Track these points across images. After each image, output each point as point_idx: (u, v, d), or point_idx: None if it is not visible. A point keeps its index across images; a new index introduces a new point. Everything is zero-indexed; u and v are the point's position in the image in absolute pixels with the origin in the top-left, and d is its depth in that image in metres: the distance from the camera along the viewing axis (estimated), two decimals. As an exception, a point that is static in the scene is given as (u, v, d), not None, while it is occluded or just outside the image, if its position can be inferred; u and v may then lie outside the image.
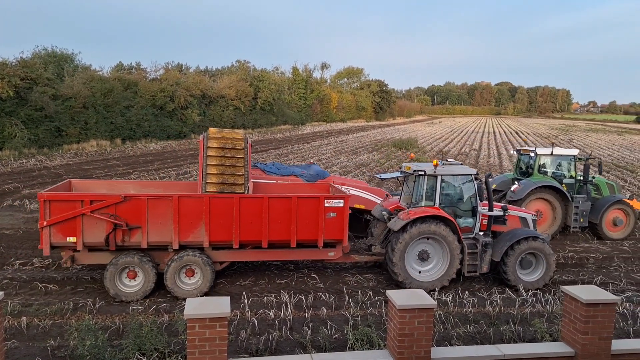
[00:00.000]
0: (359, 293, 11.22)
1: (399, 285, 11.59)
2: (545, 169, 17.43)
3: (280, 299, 10.69)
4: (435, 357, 6.17)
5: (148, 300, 10.57)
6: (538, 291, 11.73)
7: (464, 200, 12.30)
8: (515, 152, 19.29)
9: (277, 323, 9.60)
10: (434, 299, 9.43)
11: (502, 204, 12.79)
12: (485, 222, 12.27)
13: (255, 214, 10.75)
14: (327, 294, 11.10)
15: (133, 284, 10.58)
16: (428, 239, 11.66)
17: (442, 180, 11.94)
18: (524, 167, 18.31)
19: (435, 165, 11.81)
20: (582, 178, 16.99)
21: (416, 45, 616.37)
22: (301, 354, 8.26)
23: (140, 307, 10.13)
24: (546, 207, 16.59)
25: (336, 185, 13.35)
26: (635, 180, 29.56)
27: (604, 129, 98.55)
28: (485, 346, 6.86)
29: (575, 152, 17.85)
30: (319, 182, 14.23)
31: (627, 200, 17.03)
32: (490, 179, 12.58)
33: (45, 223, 9.93)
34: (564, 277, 13.08)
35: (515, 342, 9.17)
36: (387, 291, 6.42)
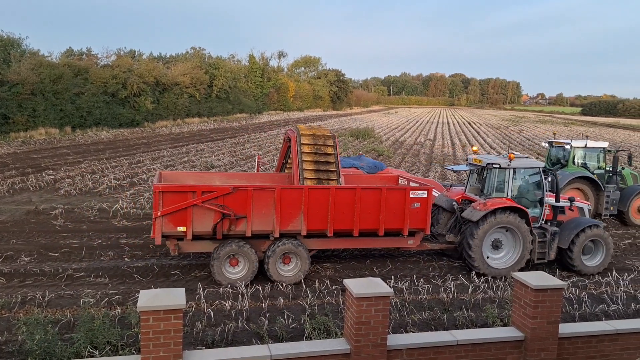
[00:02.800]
0: (317, 282, 11.24)
1: (475, 271, 12.14)
2: (580, 161, 18.67)
3: (236, 290, 10.57)
4: (391, 344, 6.24)
5: (100, 292, 10.27)
6: (489, 277, 12.06)
7: (532, 191, 13.02)
8: (546, 145, 20.39)
9: (233, 314, 9.48)
10: (390, 286, 9.55)
11: (570, 196, 13.36)
12: (550, 212, 12.94)
13: (349, 204, 11.26)
14: (284, 284, 11.05)
15: (235, 271, 11.00)
16: (504, 229, 12.22)
17: (514, 173, 12.57)
18: (554, 159, 19.31)
19: (511, 159, 12.41)
20: (611, 169, 18.25)
21: (373, 36, 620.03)
22: (258, 344, 8.19)
23: (92, 300, 9.81)
24: (580, 196, 17.47)
25: (402, 177, 14.03)
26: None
27: (551, 120, 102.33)
28: (439, 332, 7.01)
29: (605, 144, 19.27)
30: (379, 174, 14.67)
31: None
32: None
33: (159, 213, 10.24)
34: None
35: (468, 327, 9.40)
36: (344, 280, 6.43)
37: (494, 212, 11.96)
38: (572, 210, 13.36)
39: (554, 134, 25.88)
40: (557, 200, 12.81)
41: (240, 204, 10.64)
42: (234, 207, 10.62)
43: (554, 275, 11.45)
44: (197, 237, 10.80)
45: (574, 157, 18.64)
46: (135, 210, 16.98)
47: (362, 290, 5.99)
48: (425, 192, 11.75)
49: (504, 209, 12.08)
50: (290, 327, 9.09)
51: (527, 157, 13.48)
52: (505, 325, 9.10)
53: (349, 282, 6.25)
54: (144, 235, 14.36)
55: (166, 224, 10.39)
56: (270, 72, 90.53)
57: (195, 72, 59.57)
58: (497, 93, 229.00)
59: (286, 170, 14.14)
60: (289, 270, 11.29)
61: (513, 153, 12.85)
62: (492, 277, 12.12)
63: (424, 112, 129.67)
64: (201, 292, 10.20)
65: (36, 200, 18.22)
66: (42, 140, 35.28)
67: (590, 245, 12.82)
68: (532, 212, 12.71)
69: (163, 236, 10.54)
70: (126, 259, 12.49)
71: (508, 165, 12.44)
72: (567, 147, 18.76)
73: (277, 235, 11.04)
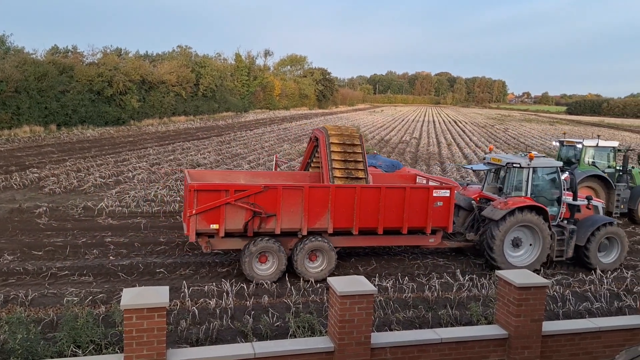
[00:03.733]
0: (301, 280, 11.22)
1: (497, 267, 12.03)
2: (589, 160, 18.93)
3: (221, 288, 10.52)
4: (375, 343, 6.25)
5: (84, 291, 10.17)
6: (474, 276, 12.15)
7: (550, 190, 13.22)
8: (557, 144, 20.63)
9: (218, 312, 9.44)
10: (375, 284, 9.60)
11: (587, 195, 13.70)
12: (568, 210, 13.18)
13: (373, 202, 11.44)
14: (268, 282, 11.03)
15: (264, 268, 11.17)
16: (524, 227, 12.39)
17: (533, 172, 12.79)
18: (564, 158, 19.46)
19: (531, 159, 12.64)
20: (621, 168, 18.59)
21: (359, 35, 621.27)
22: (242, 342, 8.16)
23: (75, 299, 9.70)
24: (592, 194, 17.50)
25: (419, 176, 14.27)
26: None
27: (537, 119, 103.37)
28: (423, 330, 7.04)
29: (615, 144, 19.65)
30: (397, 172, 14.73)
31: None
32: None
33: (194, 211, 10.41)
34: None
35: (452, 325, 9.44)
36: (328, 278, 6.42)
37: (514, 210, 12.14)
38: (589, 209, 13.58)
39: (564, 133, 26.25)
40: (575, 198, 13.00)
41: (270, 202, 10.86)
42: (265, 205, 10.84)
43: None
44: (227, 235, 10.96)
45: (584, 156, 18.93)
46: (120, 208, 16.82)
47: (346, 289, 5.99)
48: (448, 191, 11.98)
49: (525, 208, 12.26)
50: (275, 325, 9.06)
51: (544, 157, 13.74)
52: (489, 323, 9.16)
53: (333, 281, 6.25)
54: (129, 234, 14.24)
55: (200, 222, 10.58)
56: (257, 70, 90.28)
57: (181, 71, 59.18)
58: (483, 92, 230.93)
59: (310, 169, 14.33)
60: (315, 267, 11.47)
61: (533, 152, 13.07)
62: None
63: (409, 110, 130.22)
64: (186, 290, 10.14)
65: (20, 198, 17.97)
66: (26, 138, 34.79)
67: (606, 242, 13.10)
68: (550, 210, 12.87)
69: (197, 234, 10.71)
70: (111, 257, 12.37)
71: (528, 164, 12.67)
72: (579, 146, 19.08)
73: (304, 232, 11.23)
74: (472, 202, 13.49)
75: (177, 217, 16.29)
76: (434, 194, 11.81)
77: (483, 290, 11.27)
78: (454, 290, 11.21)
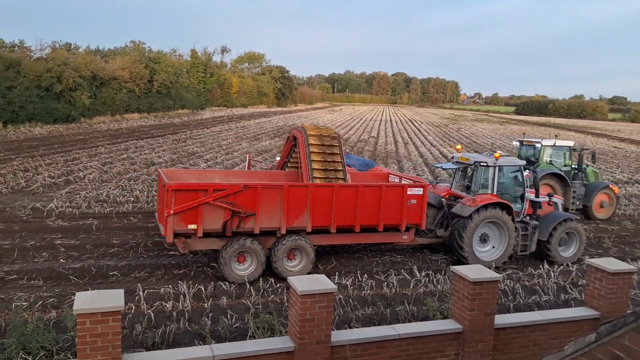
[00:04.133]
0: (260, 281, 11.18)
1: (466, 262, 12.51)
2: (547, 158, 19.80)
3: (178, 290, 10.35)
4: (335, 341, 6.30)
5: (33, 295, 9.79)
6: (430, 272, 12.42)
7: (514, 187, 13.81)
8: (517, 143, 21.43)
9: (174, 315, 9.29)
10: (335, 282, 9.64)
11: (548, 192, 14.68)
12: (530, 207, 13.80)
13: (351, 201, 11.63)
14: (227, 283, 10.93)
15: (243, 267, 11.18)
16: (491, 223, 12.93)
17: (499, 170, 13.35)
18: (524, 157, 20.08)
19: (497, 158, 13.22)
20: (577, 166, 19.48)
21: (317, 33, 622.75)
22: (200, 345, 8.06)
23: (25, 304, 9.32)
24: (549, 191, 18.12)
25: (391, 174, 14.54)
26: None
27: (487, 119, 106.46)
28: (382, 327, 7.14)
29: (571, 143, 20.58)
30: (370, 172, 14.99)
31: (611, 186, 19.69)
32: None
33: (171, 212, 10.25)
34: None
35: (409, 321, 9.63)
36: (288, 277, 6.43)
37: (482, 207, 12.63)
38: (551, 205, 14.24)
39: (524, 133, 27.38)
40: (537, 195, 13.70)
41: (249, 202, 10.83)
42: (244, 204, 10.80)
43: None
44: (205, 235, 10.85)
45: (542, 155, 19.80)
46: (71, 209, 16.27)
47: (306, 288, 6.01)
48: (421, 189, 12.31)
49: (492, 205, 12.78)
50: (234, 326, 9.00)
51: (507, 156, 14.31)
52: (445, 318, 9.37)
53: (293, 280, 6.26)
54: (80, 235, 13.79)
55: (177, 222, 10.43)
56: (213, 67, 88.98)
57: (134, 67, 57.68)
58: (437, 92, 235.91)
59: (287, 169, 14.38)
60: (294, 266, 11.56)
61: (498, 152, 13.61)
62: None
63: (367, 109, 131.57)
64: (141, 293, 9.92)
65: (-40, 199, 17.11)
66: (-33, 135, 33.16)
67: (565, 237, 13.81)
68: (514, 207, 13.40)
69: (175, 235, 10.56)
70: (61, 260, 11.95)
71: (494, 163, 13.23)
72: (538, 145, 19.93)
73: (283, 231, 11.27)
74: (442, 199, 13.93)
75: (131, 217, 15.90)
76: (409, 192, 12.12)
77: (439, 286, 11.54)
78: (411, 287, 11.43)
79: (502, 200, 12.98)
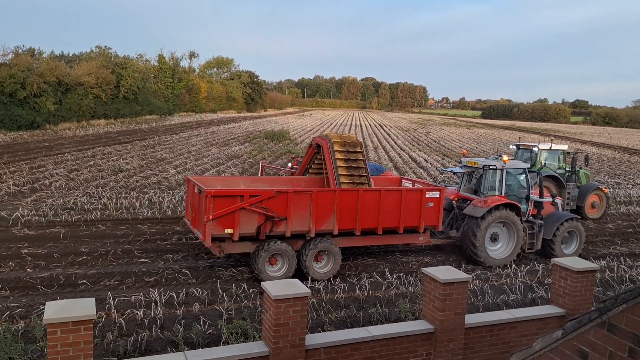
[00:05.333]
0: (233, 286, 11.13)
1: (478, 264, 13.50)
2: (543, 161, 20.56)
3: (149, 298, 10.22)
4: (309, 344, 6.33)
5: (0, 306, 9.52)
6: (402, 274, 12.58)
7: (520, 189, 14.59)
8: (514, 147, 22.19)
9: (146, 322, 9.16)
10: (308, 286, 9.65)
11: (552, 193, 15.69)
12: (534, 207, 14.56)
13: (374, 204, 12.16)
14: (199, 289, 10.84)
15: (274, 269, 11.58)
16: (501, 223, 13.61)
17: (507, 173, 14.12)
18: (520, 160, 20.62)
19: (506, 162, 14.07)
20: (570, 169, 20.34)
21: (286, 38, 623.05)
22: (173, 352, 7.98)
23: (-13, 316, 9.06)
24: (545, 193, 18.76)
25: (405, 179, 15.18)
26: (482, 170, 32.88)
27: (455, 123, 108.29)
28: (355, 329, 7.20)
29: (565, 147, 21.46)
30: (382, 176, 15.44)
31: (601, 188, 20.75)
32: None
33: (210, 217, 10.65)
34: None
35: (382, 323, 9.72)
36: (262, 282, 6.44)
37: (494, 208, 13.32)
38: (554, 206, 15.09)
39: (519, 137, 28.25)
40: (541, 196, 14.47)
41: (281, 207, 11.29)
42: (276, 209, 11.25)
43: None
44: (240, 239, 11.22)
45: (539, 158, 20.53)
46: (37, 217, 15.85)
47: (280, 292, 6.03)
48: (438, 192, 12.92)
49: (502, 206, 13.48)
50: (207, 333, 8.94)
51: (512, 159, 15.32)
52: (416, 319, 9.52)
53: (267, 285, 6.27)
54: (47, 244, 13.47)
55: (215, 227, 10.84)
56: (181, 72, 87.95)
57: (100, 72, 56.49)
58: (406, 97, 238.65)
59: (308, 174, 15.09)
60: (320, 268, 12.00)
61: (506, 156, 14.49)
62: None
63: (337, 114, 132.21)
64: (111, 301, 9.75)
65: None
66: None
67: (567, 235, 14.59)
68: (521, 207, 14.05)
69: (213, 239, 10.93)
70: (28, 269, 11.64)
71: (503, 166, 14.02)
72: (535, 149, 20.68)
73: (312, 234, 11.72)
74: (452, 202, 14.57)
75: (100, 225, 15.60)
76: (427, 195, 12.72)
77: (410, 288, 11.70)
78: (383, 289, 11.55)
79: (511, 201, 13.69)
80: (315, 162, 14.63)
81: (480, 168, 14.44)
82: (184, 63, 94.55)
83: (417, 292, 11.31)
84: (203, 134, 48.87)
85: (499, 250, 13.91)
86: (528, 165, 14.92)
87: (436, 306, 7.02)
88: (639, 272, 13.84)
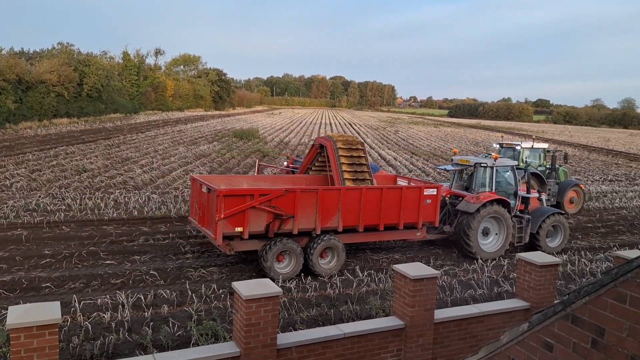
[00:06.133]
0: (203, 287, 11.00)
1: (471, 257, 14.05)
2: (525, 159, 21.20)
3: (116, 300, 10.02)
4: (280, 344, 6.32)
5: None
6: (372, 271, 12.68)
7: (508, 186, 15.20)
8: (497, 145, 22.82)
9: (113, 325, 8.98)
10: (279, 285, 9.64)
11: (538, 189, 16.63)
12: (522, 202, 15.28)
13: (376, 202, 12.53)
14: (168, 291, 10.69)
15: (282, 266, 11.84)
16: (492, 218, 14.22)
17: (497, 171, 14.64)
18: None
19: (496, 159, 14.77)
20: (550, 166, 21.17)
21: (254, 36, 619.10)
22: (142, 355, 7.85)
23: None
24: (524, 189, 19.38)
25: (399, 178, 15.75)
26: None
27: (423, 122, 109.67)
28: (326, 327, 7.22)
29: (546, 145, 22.39)
30: (377, 175, 15.64)
31: (579, 184, 21.77)
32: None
33: (222, 216, 10.83)
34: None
35: (353, 320, 9.78)
36: (233, 283, 6.38)
37: (486, 204, 13.94)
38: (541, 201, 15.89)
39: (502, 136, 28.93)
40: (529, 192, 15.32)
41: (289, 205, 11.55)
42: (284, 207, 11.51)
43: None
44: (249, 237, 11.45)
45: (521, 156, 21.18)
46: (-5, 220, 15.33)
47: (251, 292, 6.00)
48: (435, 189, 13.39)
49: (493, 201, 14.14)
50: (176, 335, 8.82)
51: (500, 157, 16.00)
52: (387, 315, 9.61)
53: (238, 285, 6.23)
54: (9, 247, 13.05)
55: (226, 226, 11.03)
56: (147, 70, 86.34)
57: (63, 69, 54.98)
58: (375, 96, 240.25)
59: (310, 173, 15.38)
60: (326, 264, 12.32)
61: (497, 154, 14.69)
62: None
63: (307, 113, 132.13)
64: (77, 304, 9.52)
65: None
66: None
67: (552, 229, 15.28)
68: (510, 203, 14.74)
69: (223, 237, 11.13)
70: (-13, 274, 11.25)
71: (493, 164, 14.66)
72: (518, 147, 21.38)
73: (318, 232, 12.03)
74: (445, 198, 14.95)
75: (63, 227, 15.20)
76: (425, 193, 13.16)
77: (380, 285, 11.81)
78: (354, 286, 11.62)
79: (502, 197, 14.30)
80: (318, 161, 15.08)
81: (471, 166, 15.03)
82: (150, 60, 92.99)
83: (388, 289, 11.42)
84: (170, 133, 48.13)
85: (490, 243, 14.52)
86: (516, 162, 15.57)
87: (406, 302, 7.10)
88: (598, 265, 14.31)
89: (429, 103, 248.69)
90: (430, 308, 7.19)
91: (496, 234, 14.54)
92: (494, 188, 14.63)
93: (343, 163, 13.46)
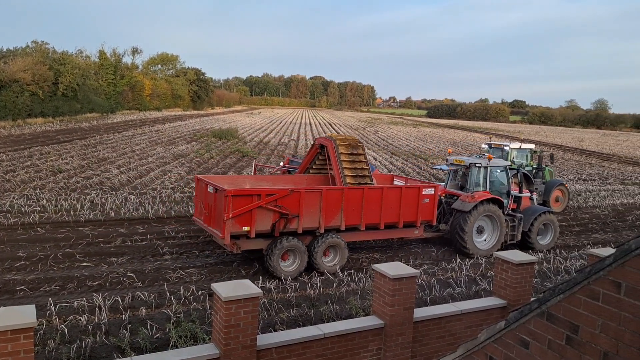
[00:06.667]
0: (181, 289, 10.91)
1: (466, 255, 14.37)
2: (513, 159, 21.72)
3: (92, 303, 9.86)
4: (260, 345, 6.30)
5: None
6: (352, 271, 12.72)
7: (501, 185, 15.58)
8: (486, 146, 23.30)
9: (90, 328, 8.85)
10: (259, 286, 9.61)
11: (530, 188, 17.06)
12: (515, 202, 15.72)
13: (377, 201, 12.84)
14: (146, 293, 10.56)
15: (286, 264, 12.07)
16: (486, 216, 14.58)
17: (490, 171, 15.04)
18: None
19: (490, 159, 15.20)
20: (537, 166, 21.77)
21: (233, 35, 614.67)
22: (120, 358, 7.75)
23: None
24: (517, 189, 19.53)
25: (396, 178, 16.13)
26: (427, 167, 33.77)
27: (402, 122, 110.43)
28: (307, 328, 7.22)
29: (532, 146, 23.20)
30: (374, 174, 15.68)
31: (564, 183, 22.53)
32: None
33: (230, 215, 11.02)
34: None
35: (333, 320, 9.79)
36: (212, 284, 6.34)
37: (480, 203, 14.29)
38: (532, 200, 16.36)
39: (490, 137, 29.38)
40: (521, 191, 15.85)
41: (294, 204, 11.80)
42: (289, 207, 11.75)
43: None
44: (255, 236, 11.66)
45: (510, 156, 21.67)
46: (-33, 222, 14.96)
47: (230, 293, 5.96)
48: (433, 189, 13.74)
49: (488, 200, 14.52)
50: (155, 337, 8.73)
51: (494, 157, 16.39)
52: (367, 314, 9.64)
53: (217, 286, 6.19)
54: (-21, 250, 12.74)
55: (233, 225, 11.26)
56: (124, 69, 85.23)
57: (37, 68, 53.95)
58: (355, 96, 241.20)
59: (310, 172, 15.60)
60: (329, 262, 12.62)
61: (491, 154, 15.32)
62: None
63: (286, 113, 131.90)
64: (52, 307, 9.35)
65: None
66: None
67: (542, 227, 15.74)
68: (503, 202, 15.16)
69: (231, 236, 11.35)
70: (-42, 278, 10.98)
71: (487, 164, 15.09)
72: (506, 148, 21.93)
73: (322, 230, 12.31)
74: (440, 197, 15.17)
75: (38, 228, 14.91)
76: (423, 192, 13.50)
77: (360, 284, 11.85)
78: (334, 286, 11.64)
79: (495, 196, 14.72)
80: (317, 161, 15.32)
81: (466, 166, 15.39)
82: (127, 59, 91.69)
83: (368, 288, 11.47)
84: (147, 133, 47.57)
85: (484, 241, 14.92)
86: (509, 163, 15.98)
87: (386, 301, 7.14)
88: (573, 263, 14.59)
89: (408, 103, 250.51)
90: (409, 307, 7.24)
91: (490, 232, 14.93)
92: (488, 187, 15.02)
93: (344, 161, 13.75)
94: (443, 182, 17.75)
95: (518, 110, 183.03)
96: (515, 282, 8.02)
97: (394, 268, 7.26)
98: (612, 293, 2.89)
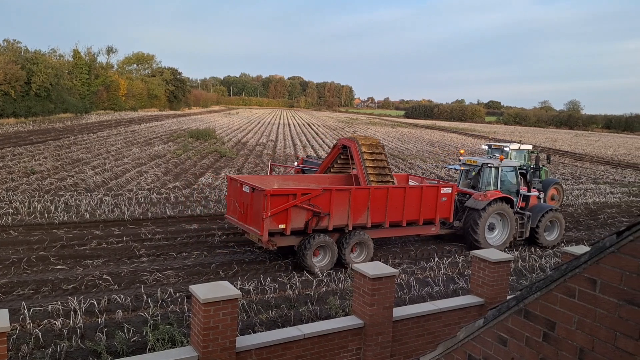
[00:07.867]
0: (159, 291, 10.77)
1: (478, 247, 14.35)
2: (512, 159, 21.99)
3: (67, 306, 9.67)
4: (240, 346, 6.25)
5: None
6: (332, 271, 12.73)
7: (511, 184, 16.23)
8: (486, 147, 23.99)
9: (65, 332, 8.67)
10: (237, 288, 9.55)
11: (537, 188, 17.96)
12: (523, 200, 16.33)
13: (400, 200, 13.55)
14: (122, 296, 10.40)
15: (317, 260, 12.62)
16: (498, 214, 15.24)
17: (502, 171, 15.74)
18: None
19: (502, 160, 15.91)
20: (535, 166, 22.09)
21: (210, 34, 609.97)
22: (96, 362, 7.61)
23: None
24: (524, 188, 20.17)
25: (411, 177, 17.01)
26: (405, 167, 34.00)
27: (380, 122, 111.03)
28: (286, 329, 7.19)
29: (530, 147, 24.04)
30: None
31: (560, 183, 23.39)
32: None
33: (268, 214, 11.60)
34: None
35: (313, 321, 9.78)
36: (190, 286, 6.27)
37: (493, 201, 14.97)
38: (540, 199, 17.12)
39: (490, 138, 29.78)
40: (529, 190, 16.52)
41: (325, 203, 12.41)
42: (321, 205, 12.36)
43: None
44: (295, 233, 12.24)
45: (509, 157, 22.13)
46: None
47: (209, 295, 5.90)
48: (451, 188, 14.42)
49: (499, 199, 15.21)
50: (132, 340, 8.60)
51: (506, 158, 17.17)
52: (346, 314, 9.66)
53: (195, 288, 6.12)
54: (-52, 254, 12.38)
55: (271, 223, 11.81)
56: (98, 68, 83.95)
57: (9, 67, 52.78)
58: (333, 96, 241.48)
59: (331, 172, 16.20)
60: (356, 257, 13.11)
61: (502, 155, 16.06)
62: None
63: (265, 113, 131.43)
64: (26, 311, 9.15)
65: None
66: None
67: (549, 224, 16.41)
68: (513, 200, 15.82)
69: (269, 234, 11.87)
70: None
71: (499, 164, 15.81)
72: (506, 149, 22.48)
73: (350, 228, 12.94)
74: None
75: (11, 231, 14.56)
76: (442, 191, 14.15)
77: (340, 284, 11.87)
78: (314, 287, 11.63)
79: (506, 195, 15.41)
80: (339, 161, 15.88)
81: (479, 166, 16.04)
82: (102, 59, 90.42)
83: (347, 288, 11.49)
84: (123, 133, 46.88)
85: (495, 238, 15.52)
86: (519, 163, 16.66)
87: (365, 301, 7.16)
88: (547, 261, 14.86)
89: (386, 104, 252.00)
90: (389, 306, 7.27)
91: (501, 229, 15.56)
92: (499, 187, 15.65)
93: (367, 160, 14.28)
94: (435, 181, 17.96)
95: (494, 111, 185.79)
96: (492, 281, 8.12)
97: (373, 268, 7.28)
98: (588, 290, 2.94)
